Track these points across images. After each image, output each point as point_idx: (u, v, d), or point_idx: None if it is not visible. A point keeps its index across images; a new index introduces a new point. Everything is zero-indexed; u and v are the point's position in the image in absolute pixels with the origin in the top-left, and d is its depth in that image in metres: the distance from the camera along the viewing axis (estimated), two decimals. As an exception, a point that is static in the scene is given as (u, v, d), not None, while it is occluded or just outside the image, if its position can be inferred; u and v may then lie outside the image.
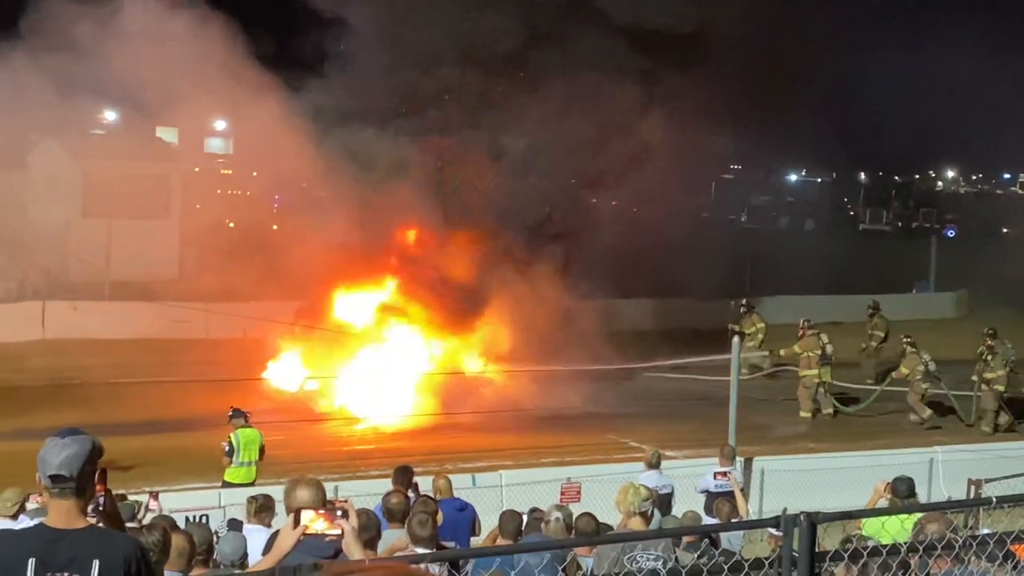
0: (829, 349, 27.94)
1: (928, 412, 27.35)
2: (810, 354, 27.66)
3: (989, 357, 27.53)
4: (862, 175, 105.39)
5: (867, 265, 48.59)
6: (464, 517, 12.82)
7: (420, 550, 9.19)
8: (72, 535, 5.28)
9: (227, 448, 18.33)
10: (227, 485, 18.04)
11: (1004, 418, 27.29)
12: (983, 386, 27.44)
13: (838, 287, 43.64)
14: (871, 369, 31.92)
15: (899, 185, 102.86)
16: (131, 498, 12.80)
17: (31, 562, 5.23)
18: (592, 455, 23.04)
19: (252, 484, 17.90)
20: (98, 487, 5.44)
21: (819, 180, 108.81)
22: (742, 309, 32.84)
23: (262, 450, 18.51)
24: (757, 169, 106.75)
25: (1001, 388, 27.32)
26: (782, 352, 29.20)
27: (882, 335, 32.60)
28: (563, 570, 9.40)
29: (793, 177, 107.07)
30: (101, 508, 5.52)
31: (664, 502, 15.78)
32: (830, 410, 28.03)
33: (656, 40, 29.63)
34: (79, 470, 5.25)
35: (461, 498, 14.06)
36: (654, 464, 16.93)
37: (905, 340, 28.27)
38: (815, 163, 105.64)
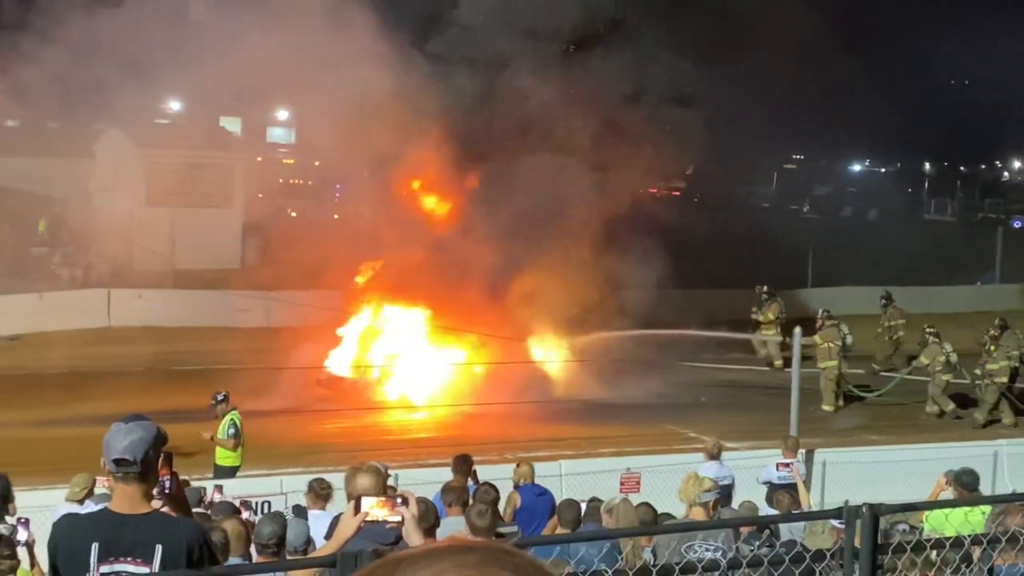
0: (849, 340, 27.42)
1: (952, 405, 26.77)
2: (831, 345, 27.13)
3: (992, 348, 26.76)
4: (927, 165, 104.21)
5: (932, 256, 48.00)
6: (542, 502, 12.87)
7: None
8: (135, 520, 5.33)
9: (233, 431, 18.15)
10: (220, 471, 17.85)
11: (1007, 416, 26.50)
12: (985, 378, 26.63)
13: (901, 278, 43.18)
14: (884, 358, 31.20)
15: (964, 175, 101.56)
16: (194, 484, 12.92)
17: (95, 546, 5.29)
18: (651, 445, 22.99)
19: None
20: (163, 471, 5.50)
21: (883, 170, 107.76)
22: (763, 296, 32.03)
23: None
24: (819, 159, 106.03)
25: (1004, 380, 26.48)
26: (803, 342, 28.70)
27: (903, 322, 31.75)
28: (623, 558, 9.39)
29: (856, 167, 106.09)
30: (167, 491, 5.58)
31: (724, 493, 15.73)
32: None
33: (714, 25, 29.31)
34: (143, 455, 5.31)
35: (541, 484, 14.16)
36: (715, 455, 16.86)
37: (928, 330, 27.61)
38: (879, 153, 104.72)
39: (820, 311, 28.72)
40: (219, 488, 12.27)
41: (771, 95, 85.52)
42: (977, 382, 26.98)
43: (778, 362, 30.36)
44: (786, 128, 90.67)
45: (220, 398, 18.54)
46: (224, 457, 18.23)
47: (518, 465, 14.73)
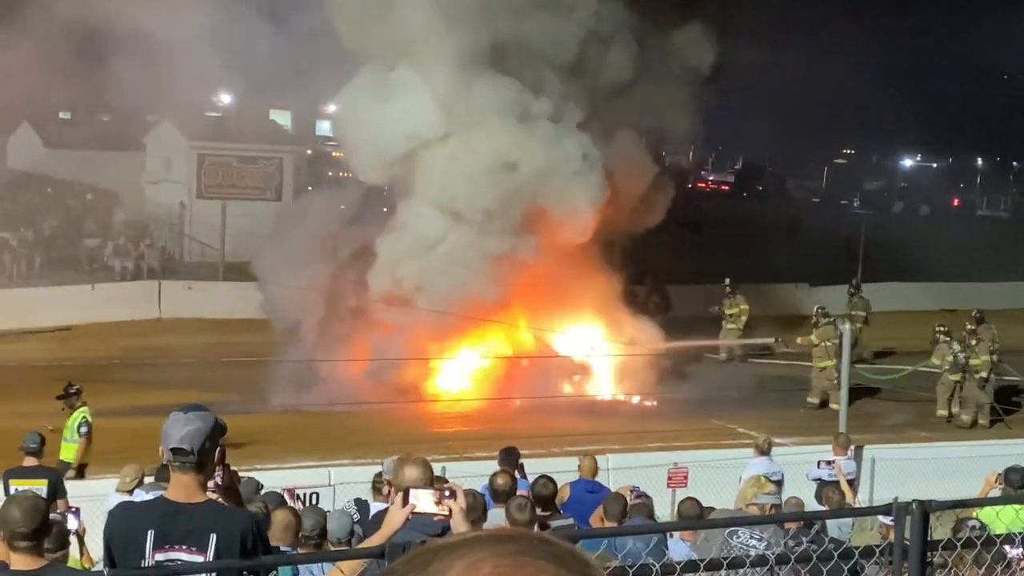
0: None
1: (944, 412, 26.04)
2: (828, 343, 26.53)
3: (973, 342, 26.07)
4: (979, 160, 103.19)
5: (984, 252, 47.52)
6: (592, 499, 12.83)
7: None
8: (191, 509, 5.40)
9: (86, 429, 17.33)
10: (65, 466, 16.84)
11: (982, 416, 25.81)
12: (967, 375, 25.95)
13: (953, 274, 42.82)
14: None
15: (1017, 171, 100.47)
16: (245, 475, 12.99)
17: (150, 533, 5.36)
18: (699, 440, 22.94)
19: None
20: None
21: (934, 165, 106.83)
22: (727, 290, 31.13)
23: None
24: (871, 153, 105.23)
25: (985, 375, 25.83)
26: (799, 340, 28.08)
27: (863, 315, 30.93)
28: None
29: (908, 162, 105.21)
30: (219, 483, 5.64)
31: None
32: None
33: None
34: (200, 445, 5.37)
35: (600, 482, 14.11)
36: (765, 450, 16.75)
37: (938, 329, 26.93)
38: (931, 148, 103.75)
39: (816, 308, 28.17)
40: (77, 512, 11.52)
41: (822, 88, 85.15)
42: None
43: (723, 356, 30.11)
44: (837, 122, 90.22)
45: (73, 391, 17.72)
46: (77, 453, 17.30)
47: (582, 459, 14.67)
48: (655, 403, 26.30)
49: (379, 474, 12.35)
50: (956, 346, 26.21)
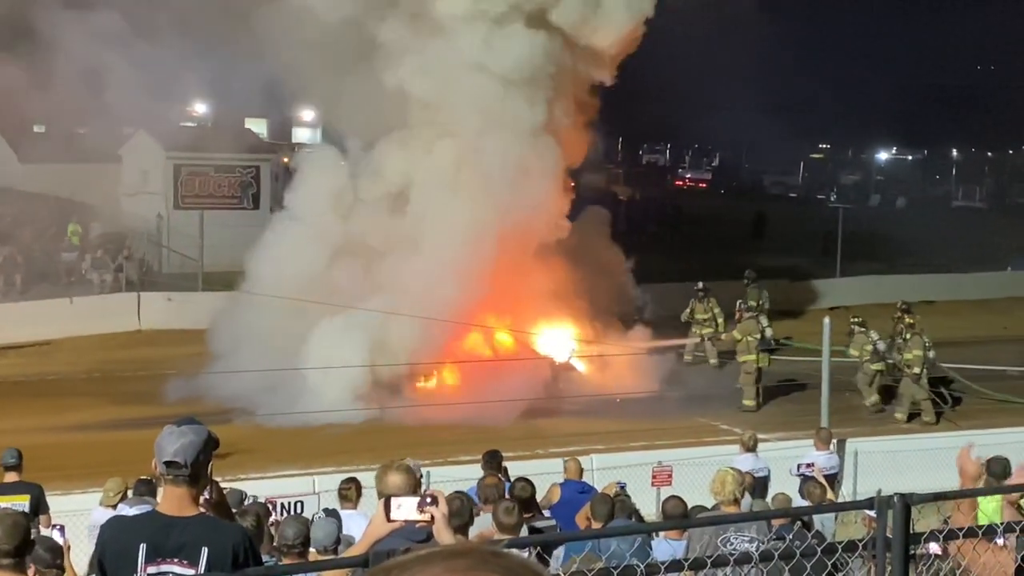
0: (768, 333, 26.79)
1: (875, 397, 26.07)
2: (749, 338, 26.39)
3: (907, 336, 25.75)
4: (954, 151, 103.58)
5: (961, 242, 47.78)
6: (583, 500, 12.88)
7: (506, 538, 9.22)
8: (183, 522, 5.41)
9: None
10: None
11: (927, 414, 25.52)
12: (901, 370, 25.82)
13: (931, 266, 43.03)
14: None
15: (992, 161, 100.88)
16: (225, 486, 12.96)
17: (142, 547, 5.37)
18: (683, 438, 22.99)
19: None
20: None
21: (910, 158, 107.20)
22: (699, 293, 30.01)
23: None
24: (846, 147, 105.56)
25: (917, 371, 25.43)
26: (723, 337, 28.00)
27: (754, 304, 30.01)
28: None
29: (883, 155, 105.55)
30: (209, 499, 5.65)
31: (760, 485, 15.69)
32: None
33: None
34: (193, 459, 5.40)
35: (587, 482, 14.17)
36: (750, 447, 16.80)
37: (853, 320, 26.86)
38: (906, 140, 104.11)
39: (738, 303, 28.09)
40: (62, 529, 11.32)
41: (797, 84, 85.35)
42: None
43: (713, 360, 29.35)
44: (812, 117, 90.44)
45: None
46: None
47: (567, 461, 14.74)
48: (638, 402, 26.28)
49: (345, 480, 12.39)
50: (874, 335, 26.15)
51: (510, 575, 2.13)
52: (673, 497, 11.68)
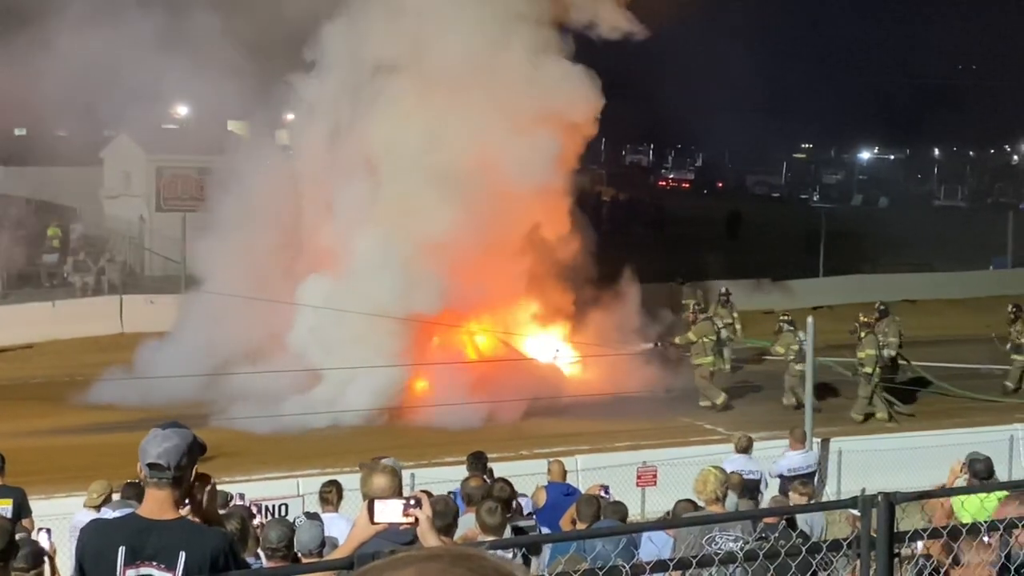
0: (724, 334, 26.56)
1: (793, 400, 25.71)
2: (705, 340, 26.13)
3: (863, 334, 25.53)
4: (936, 151, 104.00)
5: (943, 242, 47.93)
6: (568, 502, 12.89)
7: (490, 539, 9.21)
8: (161, 526, 5.40)
9: None
10: None
11: (879, 411, 25.45)
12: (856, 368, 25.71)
13: (914, 265, 43.18)
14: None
15: (974, 160, 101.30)
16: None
17: (121, 550, 5.37)
18: (668, 438, 23.01)
19: None
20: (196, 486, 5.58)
21: (892, 157, 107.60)
22: (722, 298, 29.88)
23: None
24: (829, 147, 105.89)
25: (868, 370, 25.30)
26: (677, 340, 27.68)
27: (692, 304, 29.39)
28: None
29: (866, 155, 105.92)
30: (198, 501, 5.65)
31: (752, 487, 15.65)
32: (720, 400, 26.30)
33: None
34: (177, 462, 5.39)
35: (571, 484, 14.16)
36: (743, 449, 16.78)
37: (782, 318, 26.75)
38: (888, 140, 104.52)
39: (692, 305, 27.78)
40: (48, 532, 11.27)
41: (779, 84, 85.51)
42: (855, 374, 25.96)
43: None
44: (795, 117, 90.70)
45: None
46: None
47: (550, 463, 14.74)
48: (622, 402, 26.28)
49: (326, 483, 12.39)
50: (801, 335, 25.39)
51: None
52: (684, 500, 11.67)
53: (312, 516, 10.91)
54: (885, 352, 26.00)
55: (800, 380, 25.43)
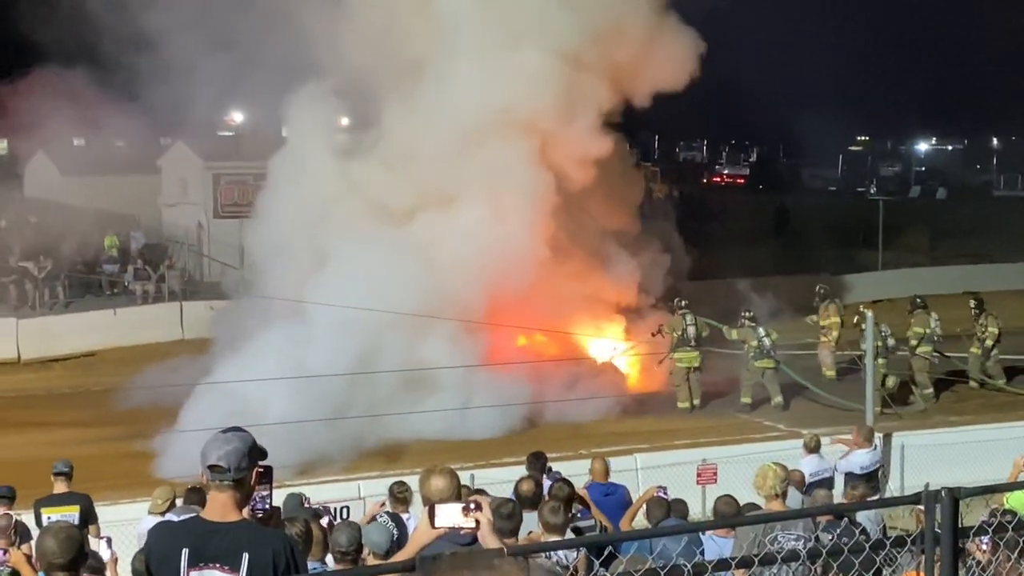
0: (692, 331, 25.81)
1: (748, 400, 25.67)
2: (676, 334, 25.66)
3: (862, 327, 24.43)
4: (994, 140, 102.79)
5: (1004, 232, 47.35)
6: (610, 502, 12.80)
7: (553, 539, 9.22)
8: (225, 528, 5.48)
9: None
10: None
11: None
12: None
13: (974, 256, 42.74)
14: None
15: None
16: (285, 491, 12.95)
17: (184, 552, 5.46)
18: (728, 436, 22.91)
19: None
20: (259, 487, 5.65)
21: (950, 148, 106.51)
22: (818, 297, 29.05)
23: None
24: (885, 139, 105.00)
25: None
26: (655, 334, 27.40)
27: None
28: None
29: (923, 146, 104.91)
30: (259, 513, 5.72)
31: (825, 485, 15.47)
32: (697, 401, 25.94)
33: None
34: (237, 464, 5.48)
35: (614, 482, 14.03)
36: (813, 448, 16.61)
37: (744, 315, 26.03)
38: (945, 130, 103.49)
39: (675, 300, 26.78)
40: (109, 541, 11.38)
41: (834, 75, 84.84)
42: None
43: (830, 372, 28.29)
44: (850, 109, 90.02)
45: None
46: None
47: (592, 461, 14.57)
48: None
49: (398, 483, 12.40)
50: (761, 331, 25.37)
51: None
52: (725, 495, 11.63)
53: (393, 517, 10.98)
54: (891, 341, 25.67)
55: (758, 375, 25.46)
